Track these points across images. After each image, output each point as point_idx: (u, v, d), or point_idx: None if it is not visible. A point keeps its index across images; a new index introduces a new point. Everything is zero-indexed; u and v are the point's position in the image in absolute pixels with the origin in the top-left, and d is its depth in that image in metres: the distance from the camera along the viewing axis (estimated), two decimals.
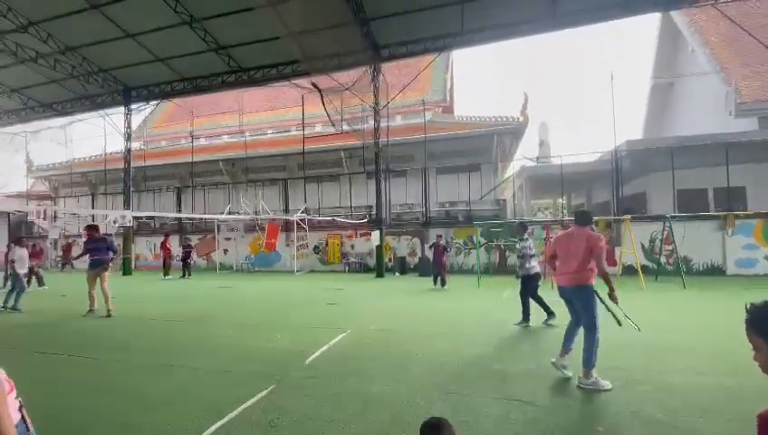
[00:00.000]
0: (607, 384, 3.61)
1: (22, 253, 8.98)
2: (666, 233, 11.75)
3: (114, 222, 9.71)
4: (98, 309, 7.66)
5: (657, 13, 16.63)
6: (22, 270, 8.81)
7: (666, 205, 14.16)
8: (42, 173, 25.76)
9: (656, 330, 5.64)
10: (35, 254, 12.76)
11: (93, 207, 23.08)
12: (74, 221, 22.38)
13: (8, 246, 9.36)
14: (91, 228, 8.10)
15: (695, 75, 17.39)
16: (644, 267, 11.45)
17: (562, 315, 5.63)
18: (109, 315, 7.39)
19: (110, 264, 7.96)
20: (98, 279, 7.75)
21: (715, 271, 12.96)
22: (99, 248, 7.83)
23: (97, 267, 7.77)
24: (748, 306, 1.27)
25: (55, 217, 23.24)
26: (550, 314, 6.20)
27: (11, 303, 8.45)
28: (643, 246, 13.54)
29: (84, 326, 6.93)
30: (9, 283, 8.89)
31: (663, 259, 12.89)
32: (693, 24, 18.21)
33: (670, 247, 12.29)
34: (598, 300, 3.88)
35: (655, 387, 3.65)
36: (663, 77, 21.86)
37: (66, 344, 5.66)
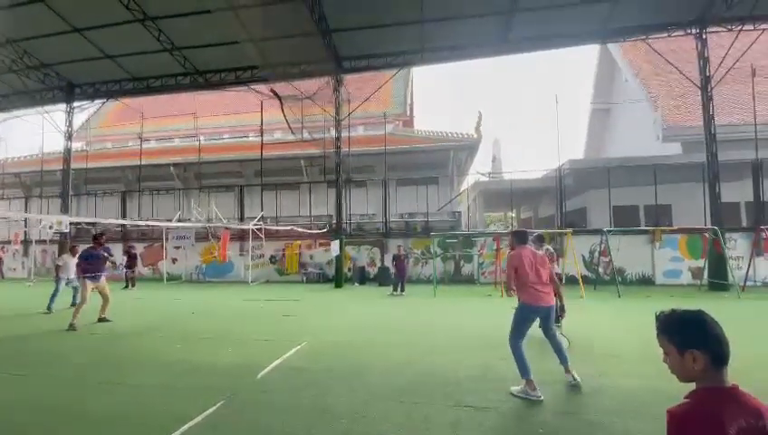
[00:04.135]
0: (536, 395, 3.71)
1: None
2: (603, 246, 12.71)
3: (50, 227, 8.98)
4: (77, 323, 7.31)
5: (595, 44, 18.21)
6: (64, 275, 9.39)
7: (603, 219, 15.36)
8: None
9: (593, 336, 6.10)
10: None
11: (27, 211, 21.04)
12: (4, 226, 20.27)
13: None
14: (95, 239, 7.95)
15: (628, 102, 19.12)
16: (584, 277, 12.27)
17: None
18: (103, 320, 7.78)
19: (106, 272, 7.92)
20: (95, 290, 7.66)
21: (646, 281, 14.15)
22: (94, 257, 7.68)
23: (95, 280, 7.63)
24: (657, 314, 1.36)
25: None
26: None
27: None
28: (584, 257, 14.52)
29: (13, 339, 6.30)
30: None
31: (601, 270, 13.91)
32: (626, 55, 20.08)
33: (607, 259, 13.30)
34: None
35: (592, 390, 3.95)
36: (601, 102, 23.85)
37: None
